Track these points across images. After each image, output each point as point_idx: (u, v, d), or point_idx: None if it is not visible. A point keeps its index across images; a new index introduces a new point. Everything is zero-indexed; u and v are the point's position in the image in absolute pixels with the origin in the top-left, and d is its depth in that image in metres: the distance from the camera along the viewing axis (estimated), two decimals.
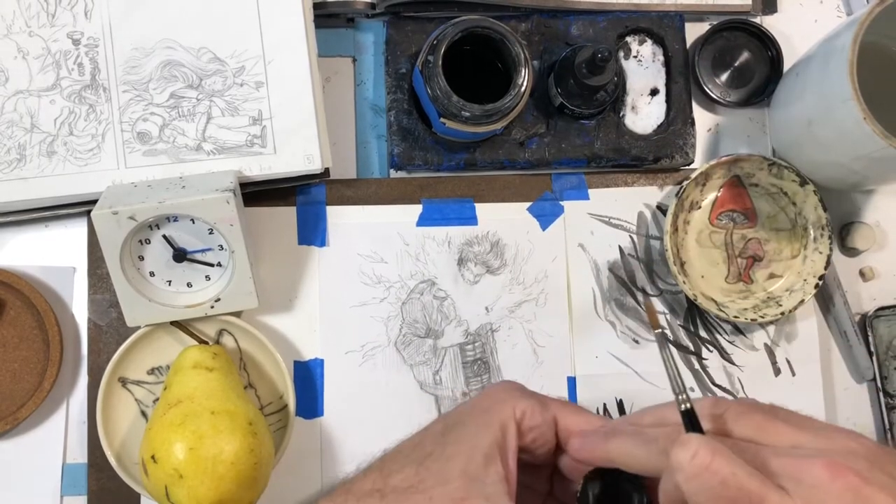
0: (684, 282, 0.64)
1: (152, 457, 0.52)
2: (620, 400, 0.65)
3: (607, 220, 0.66)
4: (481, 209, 0.65)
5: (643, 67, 0.67)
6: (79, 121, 0.59)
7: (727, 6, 0.68)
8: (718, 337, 0.66)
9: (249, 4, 0.60)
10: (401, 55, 0.65)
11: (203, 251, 0.58)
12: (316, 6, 0.62)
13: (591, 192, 0.66)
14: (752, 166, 0.65)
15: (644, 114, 0.66)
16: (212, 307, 0.58)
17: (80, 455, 0.61)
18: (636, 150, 0.66)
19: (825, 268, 0.64)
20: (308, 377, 0.63)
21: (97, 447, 0.59)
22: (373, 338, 0.63)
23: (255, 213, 0.63)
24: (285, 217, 0.64)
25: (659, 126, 0.66)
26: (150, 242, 0.57)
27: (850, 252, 0.69)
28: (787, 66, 0.67)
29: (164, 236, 0.57)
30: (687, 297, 0.65)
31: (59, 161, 0.59)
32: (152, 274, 0.58)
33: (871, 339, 0.66)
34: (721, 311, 0.64)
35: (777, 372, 0.66)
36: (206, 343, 0.59)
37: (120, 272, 0.56)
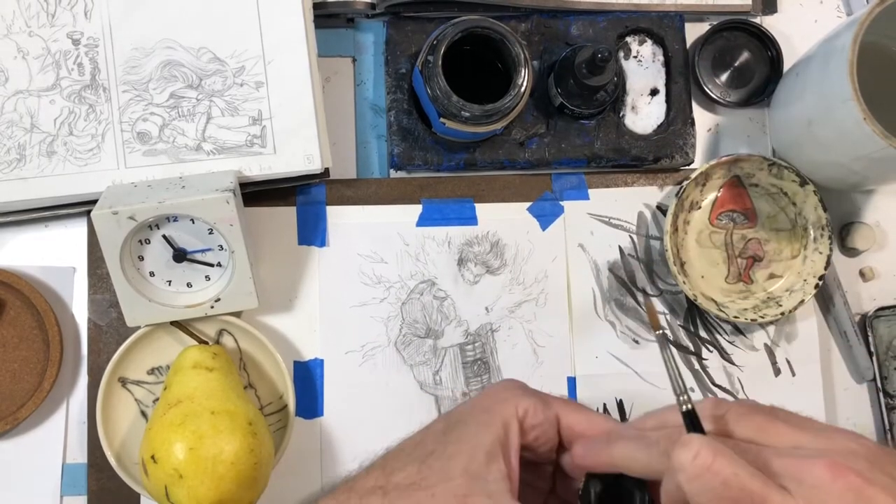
0: (684, 282, 0.64)
1: (152, 457, 0.52)
2: (620, 400, 0.65)
3: (607, 220, 0.66)
4: (481, 209, 0.65)
5: (643, 67, 0.67)
6: (79, 121, 0.59)
7: (727, 6, 0.68)
8: (718, 337, 0.66)
9: (249, 4, 0.60)
10: (401, 55, 0.64)
11: (203, 251, 0.58)
12: (316, 6, 0.62)
13: (591, 192, 0.66)
14: (752, 166, 0.65)
15: (644, 114, 0.66)
16: (212, 307, 0.58)
17: (79, 455, 0.61)
18: (636, 150, 0.66)
19: (825, 268, 0.64)
20: (308, 377, 0.63)
21: (97, 447, 0.59)
22: (373, 338, 0.63)
23: (255, 213, 0.63)
24: (285, 217, 0.64)
25: (659, 126, 0.66)
26: (149, 242, 0.57)
27: (850, 252, 0.69)
28: (787, 66, 0.67)
29: (164, 236, 0.57)
30: (687, 298, 0.65)
31: (59, 161, 0.59)
32: (152, 274, 0.58)
33: (871, 339, 0.66)
34: (721, 311, 0.64)
35: (777, 372, 0.66)
36: (206, 343, 0.59)
37: (120, 272, 0.56)
